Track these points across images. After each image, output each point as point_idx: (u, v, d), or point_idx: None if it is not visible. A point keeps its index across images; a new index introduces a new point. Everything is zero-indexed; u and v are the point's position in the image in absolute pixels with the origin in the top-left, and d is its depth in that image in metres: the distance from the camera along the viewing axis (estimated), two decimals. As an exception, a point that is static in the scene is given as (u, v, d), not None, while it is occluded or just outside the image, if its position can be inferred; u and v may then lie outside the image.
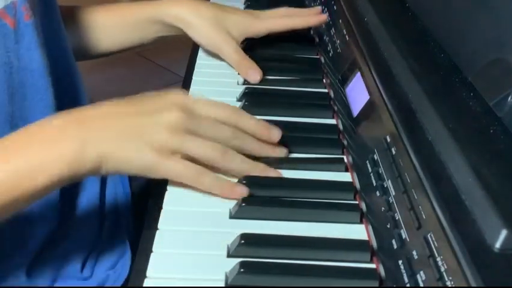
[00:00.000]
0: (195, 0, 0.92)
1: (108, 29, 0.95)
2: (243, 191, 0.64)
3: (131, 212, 0.89)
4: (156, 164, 0.61)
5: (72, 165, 0.58)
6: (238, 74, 0.90)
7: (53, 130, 0.60)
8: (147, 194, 0.92)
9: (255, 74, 0.88)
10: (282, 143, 0.71)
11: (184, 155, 0.62)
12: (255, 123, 0.69)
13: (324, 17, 0.96)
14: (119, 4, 0.96)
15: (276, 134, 0.69)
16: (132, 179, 0.92)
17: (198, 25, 0.90)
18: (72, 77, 0.83)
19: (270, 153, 0.69)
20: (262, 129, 0.69)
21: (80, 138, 0.59)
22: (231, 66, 0.93)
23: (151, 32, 0.95)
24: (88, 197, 0.81)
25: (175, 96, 0.65)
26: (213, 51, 0.92)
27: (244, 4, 1.18)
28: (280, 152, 0.70)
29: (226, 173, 0.66)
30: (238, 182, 0.66)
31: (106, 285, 0.80)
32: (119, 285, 0.79)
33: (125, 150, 0.60)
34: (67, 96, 0.79)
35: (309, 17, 0.95)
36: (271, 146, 0.70)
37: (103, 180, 0.85)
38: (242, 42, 1.00)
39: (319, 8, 0.98)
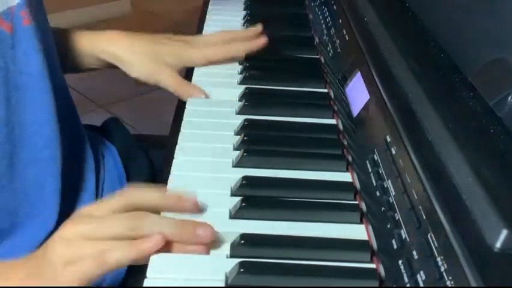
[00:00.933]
0: (128, 35, 0.91)
1: (77, 54, 0.92)
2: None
3: None
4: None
5: None
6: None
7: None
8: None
9: (198, 96, 0.85)
10: (282, 142, 0.71)
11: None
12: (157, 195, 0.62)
13: (264, 40, 0.92)
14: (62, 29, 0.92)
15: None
16: (129, 178, 0.92)
17: (133, 62, 0.89)
18: (64, 81, 0.83)
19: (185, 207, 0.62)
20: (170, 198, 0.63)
21: None
22: (231, 67, 0.93)
23: (84, 63, 0.93)
24: (85, 197, 0.81)
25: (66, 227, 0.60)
26: (152, 84, 0.90)
27: (244, 4, 1.18)
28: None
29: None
30: (240, 183, 0.66)
31: (106, 286, 0.80)
32: (117, 285, 0.79)
33: None
34: (63, 99, 0.80)
35: (248, 43, 0.92)
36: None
37: (101, 180, 0.85)
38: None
39: (259, 28, 0.94)
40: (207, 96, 0.86)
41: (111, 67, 0.92)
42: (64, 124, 0.77)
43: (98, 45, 0.91)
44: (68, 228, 0.59)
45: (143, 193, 0.61)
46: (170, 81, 0.88)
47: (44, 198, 0.74)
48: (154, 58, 0.89)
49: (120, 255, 0.56)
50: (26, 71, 0.72)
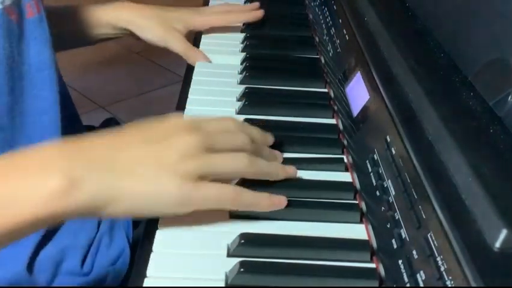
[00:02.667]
0: (138, 5, 1.01)
1: (93, 25, 1.00)
2: (282, 200, 0.61)
3: None
4: (189, 195, 0.54)
5: (52, 203, 0.49)
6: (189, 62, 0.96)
7: (42, 159, 0.52)
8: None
9: (203, 61, 0.95)
10: (282, 142, 0.71)
11: (212, 178, 0.56)
12: (258, 131, 0.67)
13: (260, 13, 1.02)
14: (75, 6, 1.00)
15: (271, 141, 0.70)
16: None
17: (146, 26, 0.98)
18: (60, 75, 0.84)
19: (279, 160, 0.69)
20: (266, 137, 0.69)
21: (69, 172, 0.50)
22: (231, 66, 0.94)
23: (99, 35, 1.01)
24: None
25: (177, 119, 0.59)
26: (162, 46, 0.98)
27: (244, 3, 1.18)
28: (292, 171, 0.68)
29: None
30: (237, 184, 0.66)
31: (107, 285, 0.80)
32: (119, 281, 0.80)
33: (145, 185, 0.52)
34: (62, 92, 0.81)
35: (245, 13, 1.04)
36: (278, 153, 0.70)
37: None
38: (243, 42, 1.01)
39: (257, 4, 1.05)
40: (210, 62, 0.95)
41: (123, 35, 1.01)
42: (63, 117, 0.78)
43: (113, 14, 0.99)
44: (186, 139, 0.56)
45: (250, 128, 0.66)
46: (179, 45, 0.96)
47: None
48: (164, 23, 0.98)
49: (254, 201, 0.59)
50: (27, 62, 0.73)
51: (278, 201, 0.61)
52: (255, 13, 1.03)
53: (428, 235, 0.50)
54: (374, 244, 0.59)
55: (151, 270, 0.56)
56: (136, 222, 0.86)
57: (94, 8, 0.99)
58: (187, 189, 0.54)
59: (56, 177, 0.50)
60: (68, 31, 0.97)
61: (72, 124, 0.85)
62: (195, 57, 0.95)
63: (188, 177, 0.54)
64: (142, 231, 0.62)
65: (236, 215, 0.63)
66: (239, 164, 0.59)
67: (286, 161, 0.71)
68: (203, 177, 0.55)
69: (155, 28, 0.98)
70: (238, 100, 0.84)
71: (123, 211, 0.53)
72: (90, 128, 1.01)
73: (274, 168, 0.64)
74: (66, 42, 0.99)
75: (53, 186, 0.49)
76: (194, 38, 1.03)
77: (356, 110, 0.75)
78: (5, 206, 0.49)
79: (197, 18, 1.01)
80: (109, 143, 0.55)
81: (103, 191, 0.51)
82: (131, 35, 1.00)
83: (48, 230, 0.76)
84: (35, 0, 0.74)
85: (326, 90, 0.89)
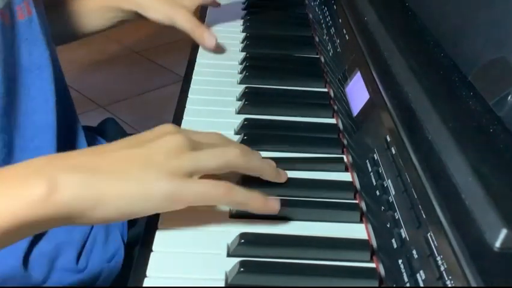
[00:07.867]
0: None
1: (86, 14, 0.99)
2: (276, 204, 0.59)
3: None
4: (178, 191, 0.53)
5: (33, 208, 0.48)
6: (199, 44, 0.96)
7: (24, 169, 0.51)
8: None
9: (210, 38, 0.95)
10: (282, 142, 0.71)
11: (201, 174, 0.56)
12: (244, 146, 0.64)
13: None
14: None
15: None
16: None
17: (152, 5, 0.96)
18: (61, 73, 0.84)
19: (277, 175, 0.65)
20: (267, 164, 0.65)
21: (49, 177, 0.49)
22: (231, 66, 0.94)
23: (109, 18, 1.00)
24: None
25: (162, 127, 0.58)
26: (169, 25, 0.96)
27: (244, 3, 1.18)
28: (284, 175, 0.66)
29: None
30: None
31: (107, 286, 0.80)
32: (112, 278, 0.80)
33: (132, 184, 0.52)
34: (61, 91, 0.81)
35: None
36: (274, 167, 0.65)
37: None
38: (243, 42, 1.01)
39: None
40: (218, 45, 0.96)
41: (133, 17, 0.99)
42: (61, 116, 0.78)
43: None
44: (173, 138, 0.56)
45: (250, 159, 0.61)
46: (186, 23, 0.94)
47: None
48: (170, 0, 0.96)
49: (244, 199, 0.57)
50: (21, 63, 0.73)
51: (272, 205, 0.59)
52: None
53: (428, 235, 0.50)
54: (374, 244, 0.59)
55: (151, 270, 0.56)
56: (131, 221, 0.86)
57: None
58: (176, 186, 0.53)
59: (37, 182, 0.49)
60: (70, 21, 0.96)
61: (70, 124, 0.86)
62: (201, 35, 0.94)
63: (175, 174, 0.54)
64: (140, 231, 0.62)
65: (236, 215, 0.63)
66: (226, 157, 0.58)
67: (287, 161, 0.71)
68: (191, 174, 0.55)
69: (159, 6, 0.96)
70: (238, 100, 0.84)
71: (112, 212, 0.52)
72: (89, 129, 1.01)
73: (264, 164, 0.63)
74: (70, 33, 0.99)
75: (33, 192, 0.49)
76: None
77: (356, 109, 0.75)
78: None
79: None
80: (93, 150, 0.55)
81: (86, 194, 0.50)
82: (139, 16, 0.98)
83: None
84: (26, 2, 0.74)
85: (326, 90, 0.89)
